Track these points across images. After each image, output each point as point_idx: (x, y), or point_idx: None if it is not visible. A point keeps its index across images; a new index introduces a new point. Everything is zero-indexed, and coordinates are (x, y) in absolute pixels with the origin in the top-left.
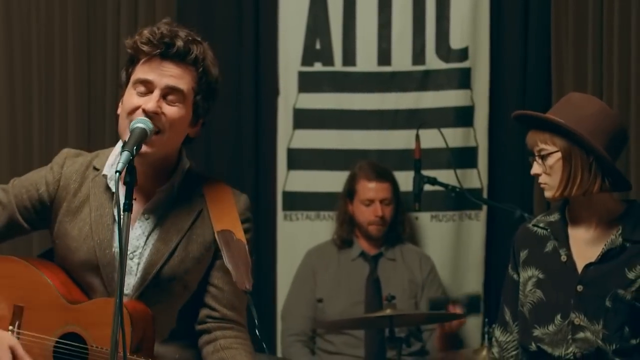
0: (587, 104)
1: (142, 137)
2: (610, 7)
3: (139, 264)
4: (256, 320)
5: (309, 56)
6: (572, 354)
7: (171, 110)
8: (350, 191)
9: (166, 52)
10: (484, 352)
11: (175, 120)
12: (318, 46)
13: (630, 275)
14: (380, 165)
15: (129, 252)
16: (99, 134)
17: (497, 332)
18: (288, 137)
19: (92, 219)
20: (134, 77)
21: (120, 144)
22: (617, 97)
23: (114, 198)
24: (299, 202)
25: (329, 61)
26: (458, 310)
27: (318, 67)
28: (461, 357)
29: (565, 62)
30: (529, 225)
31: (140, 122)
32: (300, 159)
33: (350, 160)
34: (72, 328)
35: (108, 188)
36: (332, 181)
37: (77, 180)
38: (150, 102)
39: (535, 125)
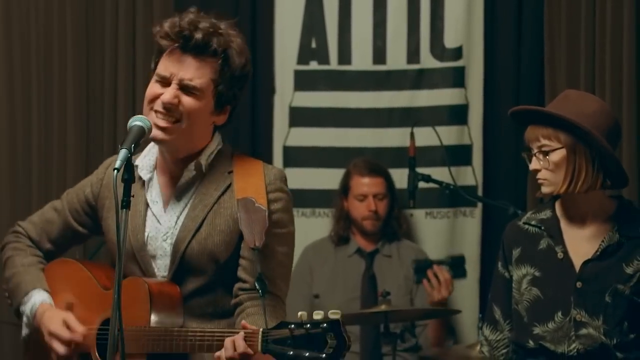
0: (586, 101)
1: (139, 135)
2: (602, 7)
3: (171, 244)
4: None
5: (304, 55)
6: (575, 350)
7: (188, 101)
8: (344, 188)
9: (185, 45)
10: (479, 348)
11: (192, 111)
12: (314, 45)
13: (629, 270)
14: (374, 161)
15: (162, 235)
16: (97, 134)
17: (487, 331)
18: (284, 135)
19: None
20: (157, 70)
21: None
22: (609, 96)
23: (145, 185)
24: (295, 199)
25: (324, 60)
26: (443, 271)
27: (314, 65)
28: (455, 353)
29: (558, 62)
30: (519, 223)
31: (138, 120)
32: (296, 157)
33: (345, 158)
34: (109, 313)
35: (140, 177)
36: (328, 179)
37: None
38: (167, 94)
39: (537, 120)
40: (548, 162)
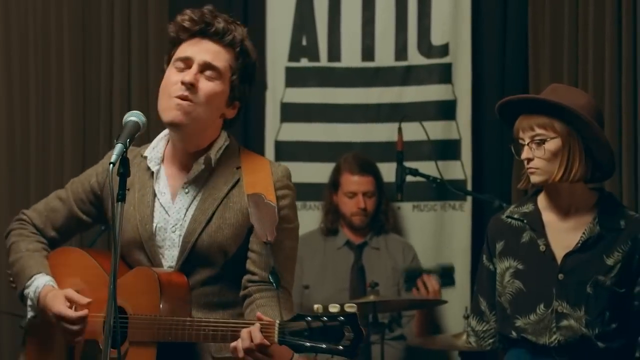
0: (575, 93)
1: (135, 130)
2: (585, 5)
3: (180, 235)
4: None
5: (295, 52)
6: (556, 341)
7: (207, 85)
8: (334, 183)
9: (206, 29)
10: (464, 337)
11: (211, 95)
12: (304, 43)
13: (609, 261)
14: (364, 158)
15: (170, 226)
16: (93, 129)
17: (474, 322)
18: (275, 130)
19: (135, 199)
20: (174, 57)
21: (166, 131)
22: (592, 91)
23: (154, 176)
24: None
25: (314, 57)
26: (432, 280)
27: (304, 62)
28: (441, 342)
29: (541, 58)
30: (502, 217)
31: (133, 115)
32: (287, 151)
33: (335, 152)
34: (117, 301)
35: (148, 168)
36: (318, 172)
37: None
38: (188, 75)
39: (531, 110)
40: (544, 151)
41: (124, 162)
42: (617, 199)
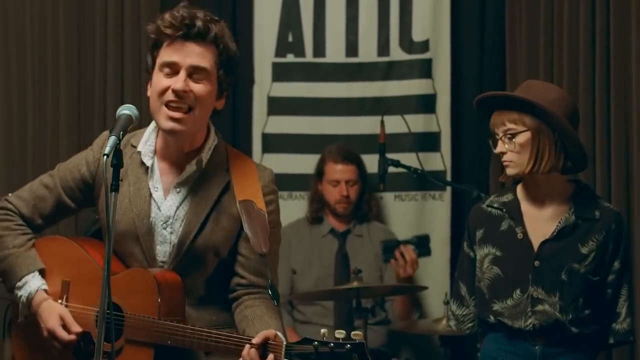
0: (547, 88)
1: (127, 122)
2: (560, 4)
3: (171, 233)
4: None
5: (282, 48)
6: (531, 325)
7: (198, 88)
8: (319, 172)
9: (188, 33)
10: (445, 321)
11: (203, 97)
12: (290, 39)
13: (584, 250)
14: (347, 148)
15: (162, 222)
16: (87, 124)
17: (454, 307)
18: (263, 123)
19: (130, 192)
20: (159, 61)
21: (153, 124)
22: (566, 85)
23: (148, 173)
24: None
25: (300, 53)
26: (409, 251)
27: (290, 58)
28: (422, 327)
29: (518, 54)
30: (482, 206)
31: (126, 108)
32: (274, 143)
33: (320, 144)
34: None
35: (143, 163)
36: (304, 164)
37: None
38: (178, 82)
39: (503, 106)
40: (514, 145)
41: (117, 154)
42: (592, 190)
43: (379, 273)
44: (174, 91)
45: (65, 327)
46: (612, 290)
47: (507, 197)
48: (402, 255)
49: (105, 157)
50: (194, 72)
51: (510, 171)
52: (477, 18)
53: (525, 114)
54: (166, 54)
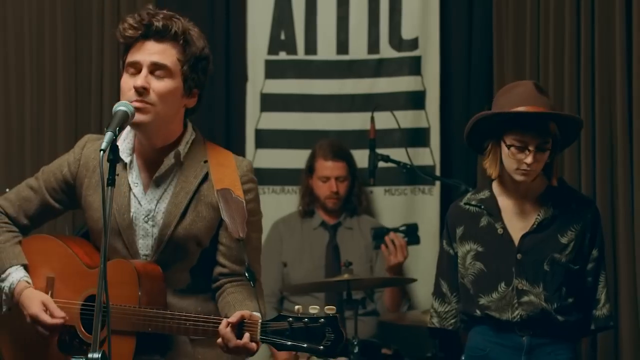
0: (545, 95)
1: (123, 118)
2: (546, 2)
3: (153, 226)
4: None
5: (274, 46)
6: (518, 316)
7: (159, 84)
8: (310, 168)
9: (147, 32)
10: (429, 317)
11: (164, 93)
12: (283, 37)
13: (563, 240)
14: (337, 145)
15: (143, 216)
16: (85, 121)
17: (436, 304)
18: (256, 119)
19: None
20: (126, 63)
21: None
22: (552, 84)
23: (127, 167)
24: (266, 177)
25: (292, 50)
26: (398, 238)
27: (283, 55)
28: (411, 318)
29: (505, 52)
30: (460, 204)
31: (122, 105)
32: (266, 139)
33: (311, 140)
34: (93, 291)
35: (122, 160)
36: (296, 159)
37: (96, 158)
38: (138, 79)
39: (541, 119)
40: (543, 155)
41: (114, 149)
42: (568, 183)
43: (369, 264)
44: (135, 88)
45: (48, 312)
46: (592, 278)
47: (484, 194)
48: (392, 241)
49: (101, 152)
50: (156, 69)
51: (528, 178)
52: (465, 17)
53: (552, 124)
54: (130, 55)
